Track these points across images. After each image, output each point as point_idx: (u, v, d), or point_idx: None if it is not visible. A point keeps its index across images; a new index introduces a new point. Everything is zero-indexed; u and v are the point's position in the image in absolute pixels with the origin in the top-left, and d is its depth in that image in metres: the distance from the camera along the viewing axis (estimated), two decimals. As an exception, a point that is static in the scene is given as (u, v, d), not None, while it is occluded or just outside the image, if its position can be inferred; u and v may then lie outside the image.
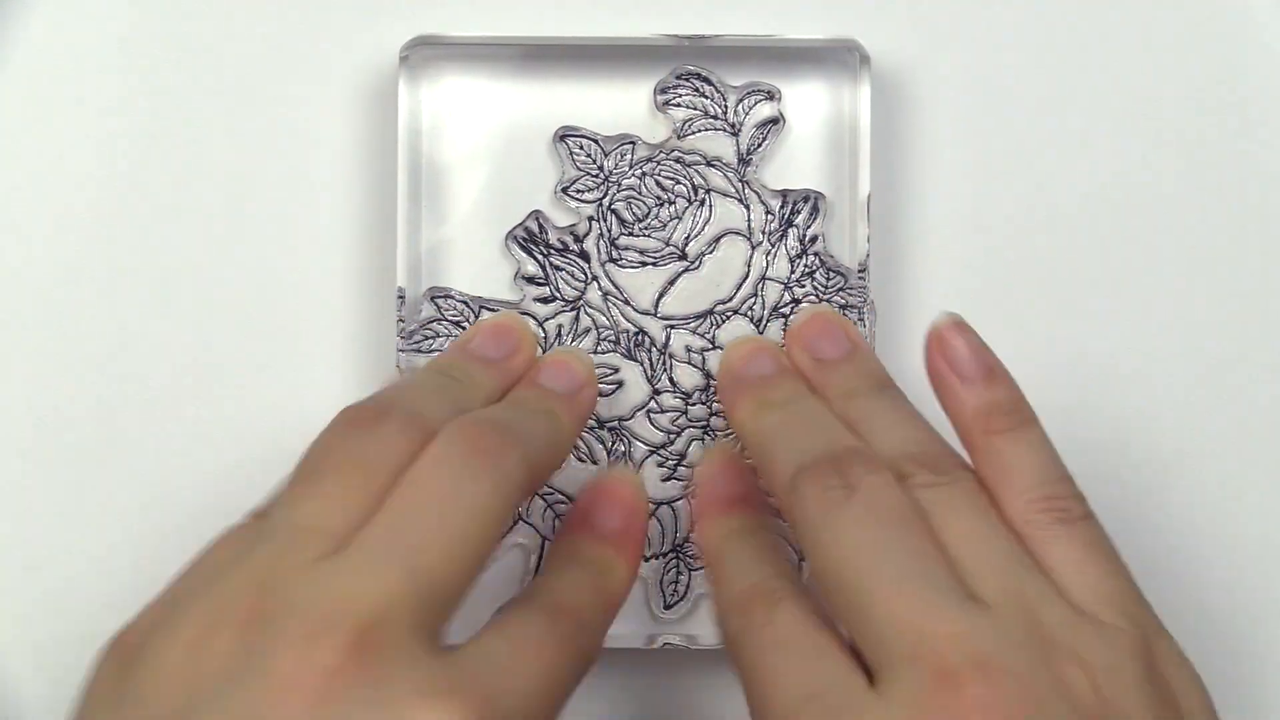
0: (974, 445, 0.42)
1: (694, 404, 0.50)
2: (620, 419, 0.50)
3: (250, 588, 0.37)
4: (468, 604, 0.44)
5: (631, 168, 0.50)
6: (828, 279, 0.49)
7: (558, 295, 0.49)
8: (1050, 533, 0.40)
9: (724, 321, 0.50)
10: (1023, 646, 0.37)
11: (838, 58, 0.50)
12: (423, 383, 0.44)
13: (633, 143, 0.50)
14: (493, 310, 0.49)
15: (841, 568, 0.38)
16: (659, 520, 0.50)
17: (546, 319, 0.49)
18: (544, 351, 0.49)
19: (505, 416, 0.42)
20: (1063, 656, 0.37)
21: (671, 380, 0.50)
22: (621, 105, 0.50)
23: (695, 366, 0.49)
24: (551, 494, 0.49)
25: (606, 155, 0.50)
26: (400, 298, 0.49)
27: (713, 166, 0.50)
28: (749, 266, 0.50)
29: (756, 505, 0.45)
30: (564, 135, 0.50)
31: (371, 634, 0.36)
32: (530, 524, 0.49)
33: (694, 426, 0.49)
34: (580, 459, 0.50)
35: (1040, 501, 0.40)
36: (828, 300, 0.49)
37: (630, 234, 0.50)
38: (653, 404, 0.50)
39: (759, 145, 0.50)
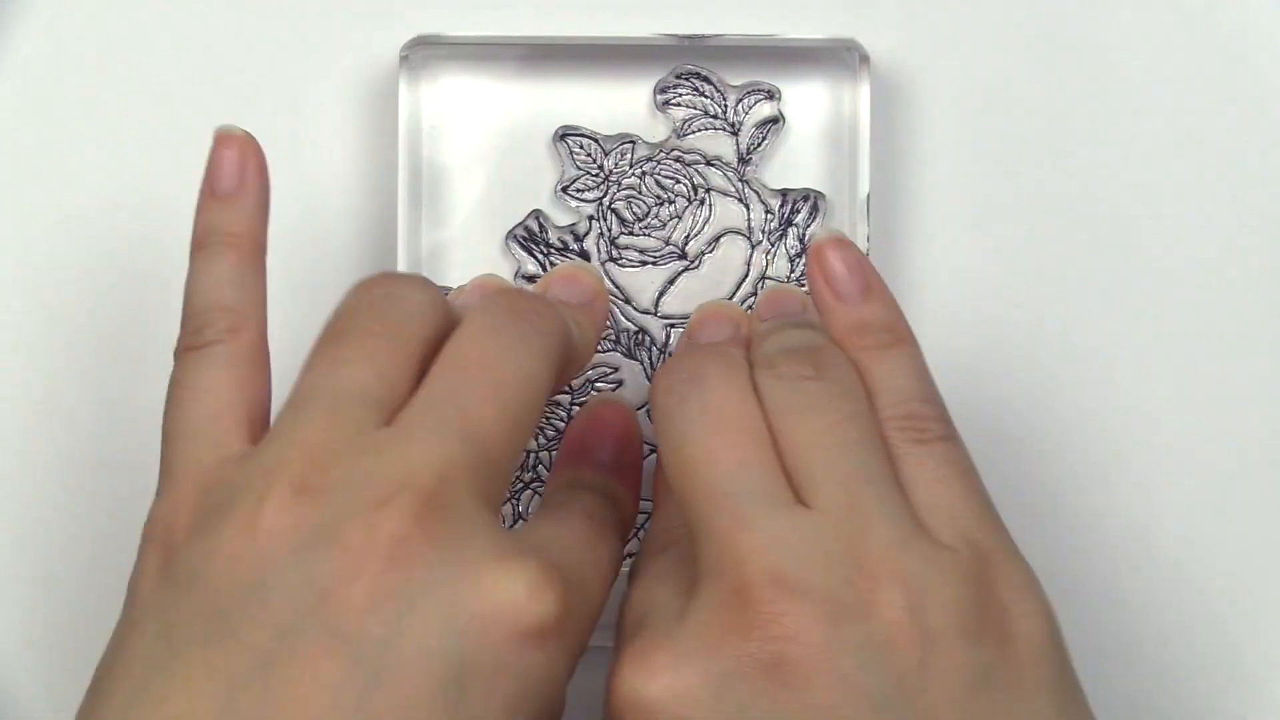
0: None
1: (693, 403, 0.49)
2: (620, 418, 0.50)
3: (300, 459, 0.36)
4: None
5: (631, 167, 0.50)
6: (828, 278, 0.49)
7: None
8: (905, 450, 0.39)
9: (723, 320, 0.50)
10: (832, 563, 0.36)
11: (838, 57, 0.50)
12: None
13: (633, 142, 0.50)
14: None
15: (679, 474, 0.38)
16: (659, 520, 0.50)
17: (546, 318, 0.49)
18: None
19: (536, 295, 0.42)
20: (880, 575, 0.36)
21: (671, 379, 0.49)
22: (621, 105, 0.50)
23: (695, 365, 0.49)
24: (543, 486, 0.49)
25: (606, 154, 0.50)
26: (400, 297, 0.49)
27: (712, 166, 0.50)
28: (749, 265, 0.50)
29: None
30: (564, 135, 0.50)
31: (436, 500, 0.35)
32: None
33: (694, 426, 0.49)
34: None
35: (899, 420, 0.39)
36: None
37: (630, 233, 0.50)
38: (652, 403, 0.49)
39: (759, 145, 0.50)
